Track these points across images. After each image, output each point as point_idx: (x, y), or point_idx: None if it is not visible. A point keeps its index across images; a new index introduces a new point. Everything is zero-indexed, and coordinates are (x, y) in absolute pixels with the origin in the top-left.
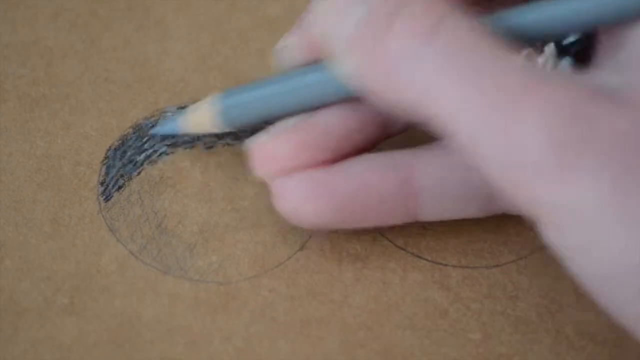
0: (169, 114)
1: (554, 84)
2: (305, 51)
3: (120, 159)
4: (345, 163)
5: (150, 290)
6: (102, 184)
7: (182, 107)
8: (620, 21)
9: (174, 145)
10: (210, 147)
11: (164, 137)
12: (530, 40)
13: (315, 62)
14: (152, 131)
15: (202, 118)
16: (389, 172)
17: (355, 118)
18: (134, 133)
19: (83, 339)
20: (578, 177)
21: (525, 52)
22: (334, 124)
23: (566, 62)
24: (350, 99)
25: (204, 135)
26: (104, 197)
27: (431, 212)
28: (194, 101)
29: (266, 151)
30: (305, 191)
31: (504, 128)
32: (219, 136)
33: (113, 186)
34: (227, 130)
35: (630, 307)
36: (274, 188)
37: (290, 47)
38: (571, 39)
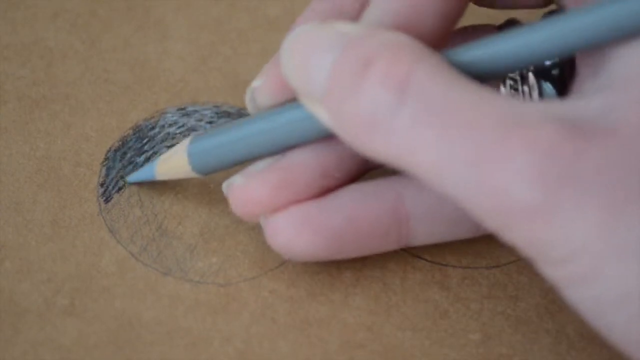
0: (138, 162)
1: (531, 124)
2: (278, 91)
3: (121, 160)
4: (333, 195)
5: (150, 292)
6: (102, 185)
7: (182, 109)
8: (594, 46)
9: (173, 146)
10: None
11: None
12: (506, 71)
13: (288, 102)
14: (128, 179)
15: (175, 166)
16: (377, 202)
17: (333, 155)
18: (134, 134)
19: (83, 340)
20: (563, 216)
21: (502, 87)
22: (311, 162)
23: (548, 86)
24: (327, 136)
25: None
26: (104, 198)
27: (423, 237)
28: (194, 102)
29: (244, 194)
30: (296, 226)
31: (485, 178)
32: None
33: (113, 187)
34: (201, 176)
35: (625, 332)
36: (266, 226)
37: (263, 87)
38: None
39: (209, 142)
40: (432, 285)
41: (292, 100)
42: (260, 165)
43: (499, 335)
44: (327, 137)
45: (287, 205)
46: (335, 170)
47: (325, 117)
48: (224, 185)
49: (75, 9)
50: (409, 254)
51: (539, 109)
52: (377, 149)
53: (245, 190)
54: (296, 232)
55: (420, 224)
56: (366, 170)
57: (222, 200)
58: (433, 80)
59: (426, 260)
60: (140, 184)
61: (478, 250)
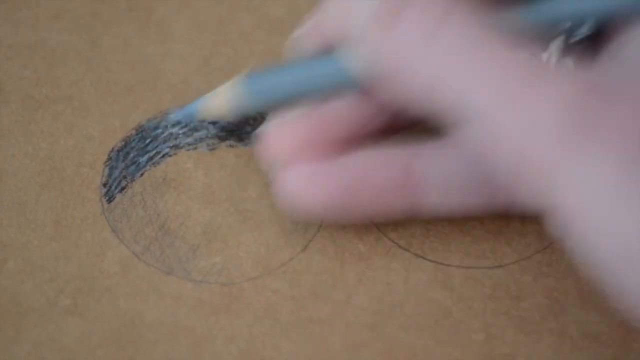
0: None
1: (557, 76)
2: (319, 40)
3: (123, 161)
4: (349, 155)
5: (153, 291)
6: (104, 185)
7: None
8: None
9: (176, 146)
10: (213, 149)
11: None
12: (542, 31)
13: (328, 52)
14: (171, 117)
15: (220, 102)
16: (391, 163)
17: (365, 108)
18: (136, 134)
19: (86, 340)
20: (579, 164)
21: (529, 48)
22: (343, 113)
23: (570, 60)
24: (362, 89)
25: (207, 137)
26: (107, 198)
27: (433, 205)
28: None
29: (276, 139)
30: (306, 180)
31: (507, 115)
32: (222, 137)
33: (116, 187)
34: (242, 114)
35: (637, 290)
36: (279, 175)
37: (305, 37)
38: (576, 37)
39: (262, 76)
40: (435, 285)
41: (329, 49)
42: (293, 114)
43: (502, 335)
44: (362, 90)
45: (311, 158)
46: (365, 122)
47: (364, 51)
48: (259, 132)
49: (77, 10)
50: (412, 254)
51: (565, 67)
52: (408, 80)
53: (274, 136)
54: (305, 185)
55: (432, 191)
56: (394, 128)
57: (225, 200)
58: (468, 18)
59: (429, 260)
60: (143, 184)
61: (481, 251)
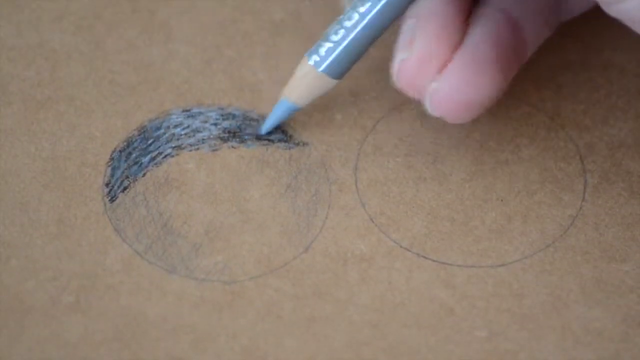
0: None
1: None
2: None
3: (126, 161)
4: (466, 42)
5: (155, 289)
6: (107, 185)
7: (187, 110)
8: None
9: (179, 147)
10: (215, 150)
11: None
12: None
13: None
14: (263, 129)
15: (302, 93)
16: (499, 27)
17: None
18: (139, 135)
19: (89, 337)
20: None
21: None
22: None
23: None
24: None
25: (209, 138)
26: (109, 198)
27: (532, 46)
28: (199, 104)
29: (414, 64)
30: (463, 79)
31: None
32: (224, 138)
33: (118, 187)
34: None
35: None
36: (434, 98)
37: None
38: None
39: (325, 48)
40: (438, 284)
41: None
42: (405, 36)
43: (504, 332)
44: None
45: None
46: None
47: None
48: (394, 71)
49: (80, 11)
50: (414, 254)
51: None
52: None
53: (414, 60)
54: (471, 83)
55: (530, 29)
56: None
57: (227, 201)
58: None
59: (431, 260)
60: (145, 184)
61: (483, 250)
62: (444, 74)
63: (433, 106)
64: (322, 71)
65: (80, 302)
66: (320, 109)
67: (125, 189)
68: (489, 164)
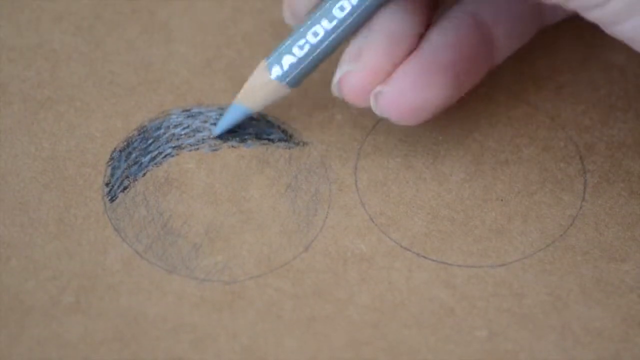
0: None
1: None
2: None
3: (126, 160)
4: (423, 46)
5: (155, 289)
6: (107, 184)
7: (187, 110)
8: None
9: (178, 147)
10: (215, 150)
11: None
12: None
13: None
14: (216, 131)
15: (256, 98)
16: (463, 30)
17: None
18: (139, 135)
19: (89, 337)
20: None
21: None
22: (395, 28)
23: None
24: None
25: (209, 138)
26: (109, 197)
27: (504, 50)
28: (199, 104)
29: (356, 81)
30: (418, 81)
31: None
32: (224, 138)
33: (118, 187)
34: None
35: None
36: (383, 98)
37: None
38: None
39: (283, 54)
40: (438, 284)
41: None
42: (353, 48)
43: (504, 332)
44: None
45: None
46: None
47: None
48: (335, 81)
49: (80, 12)
50: (414, 254)
51: None
52: None
53: (360, 73)
54: (418, 87)
55: (501, 32)
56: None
57: (227, 200)
58: None
59: (431, 260)
60: (145, 184)
61: (483, 250)
62: (392, 77)
63: (378, 108)
64: (286, 83)
65: (80, 302)
66: (320, 109)
67: (125, 188)
68: (489, 164)
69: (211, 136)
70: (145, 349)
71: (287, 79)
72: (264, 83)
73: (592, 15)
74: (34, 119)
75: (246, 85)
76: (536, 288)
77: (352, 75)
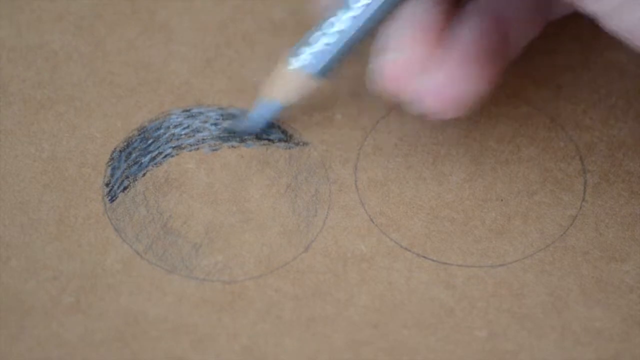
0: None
1: None
2: None
3: (126, 161)
4: (451, 39)
5: (155, 289)
6: (107, 185)
7: (187, 110)
8: None
9: (178, 147)
10: (215, 150)
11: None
12: None
13: None
14: (250, 129)
15: (286, 91)
16: (482, 25)
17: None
18: (139, 135)
19: (89, 337)
20: None
21: None
22: (423, 15)
23: None
24: None
25: (209, 138)
26: (109, 197)
27: (516, 48)
28: (199, 104)
29: (398, 65)
30: (451, 75)
31: None
32: (224, 138)
33: (118, 187)
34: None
35: None
36: (421, 90)
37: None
38: None
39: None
40: (438, 284)
41: None
42: (388, 38)
43: (504, 332)
44: None
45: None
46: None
47: None
48: (373, 70)
49: (80, 12)
50: (413, 254)
51: None
52: None
53: (401, 61)
54: (458, 78)
55: (514, 29)
56: None
57: (228, 200)
58: None
59: (431, 260)
60: (145, 184)
61: (483, 250)
62: (431, 71)
63: (420, 102)
64: (316, 73)
65: (80, 302)
66: (320, 109)
67: (125, 188)
68: (489, 164)
69: (211, 136)
70: (145, 349)
71: (317, 70)
72: (291, 75)
73: (590, 8)
74: (34, 120)
75: (273, 78)
76: (536, 288)
77: (392, 63)
